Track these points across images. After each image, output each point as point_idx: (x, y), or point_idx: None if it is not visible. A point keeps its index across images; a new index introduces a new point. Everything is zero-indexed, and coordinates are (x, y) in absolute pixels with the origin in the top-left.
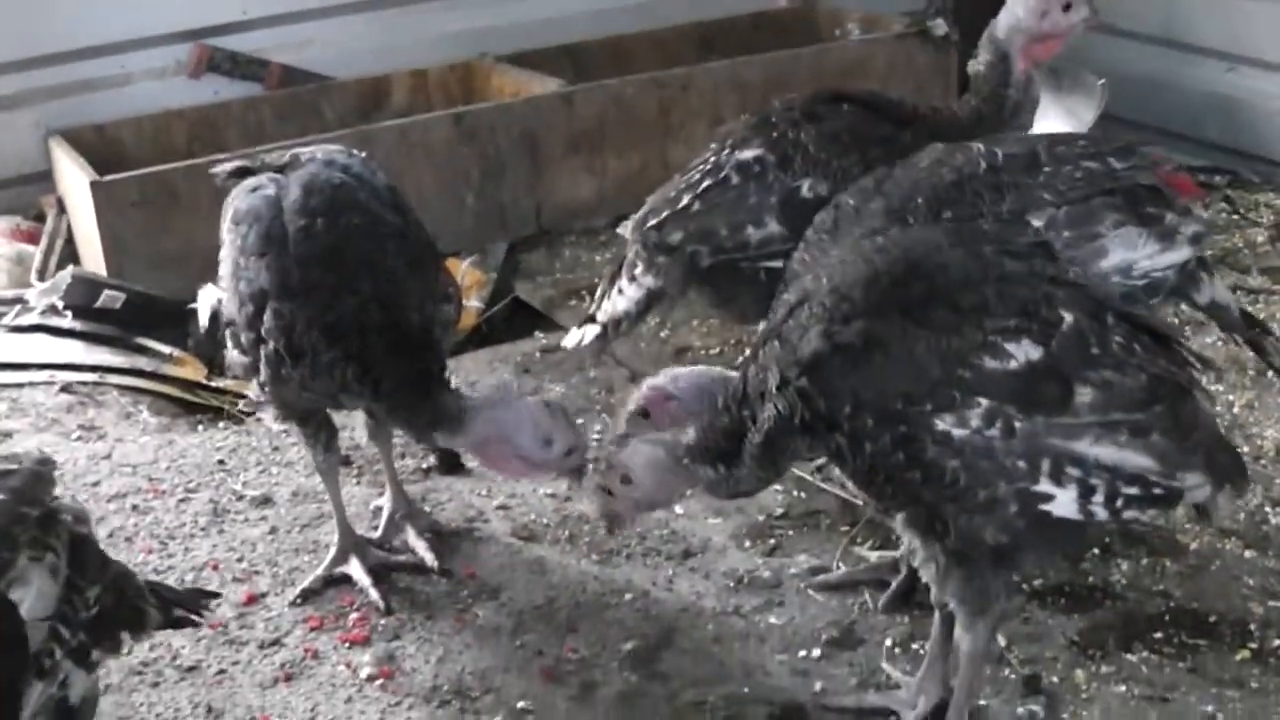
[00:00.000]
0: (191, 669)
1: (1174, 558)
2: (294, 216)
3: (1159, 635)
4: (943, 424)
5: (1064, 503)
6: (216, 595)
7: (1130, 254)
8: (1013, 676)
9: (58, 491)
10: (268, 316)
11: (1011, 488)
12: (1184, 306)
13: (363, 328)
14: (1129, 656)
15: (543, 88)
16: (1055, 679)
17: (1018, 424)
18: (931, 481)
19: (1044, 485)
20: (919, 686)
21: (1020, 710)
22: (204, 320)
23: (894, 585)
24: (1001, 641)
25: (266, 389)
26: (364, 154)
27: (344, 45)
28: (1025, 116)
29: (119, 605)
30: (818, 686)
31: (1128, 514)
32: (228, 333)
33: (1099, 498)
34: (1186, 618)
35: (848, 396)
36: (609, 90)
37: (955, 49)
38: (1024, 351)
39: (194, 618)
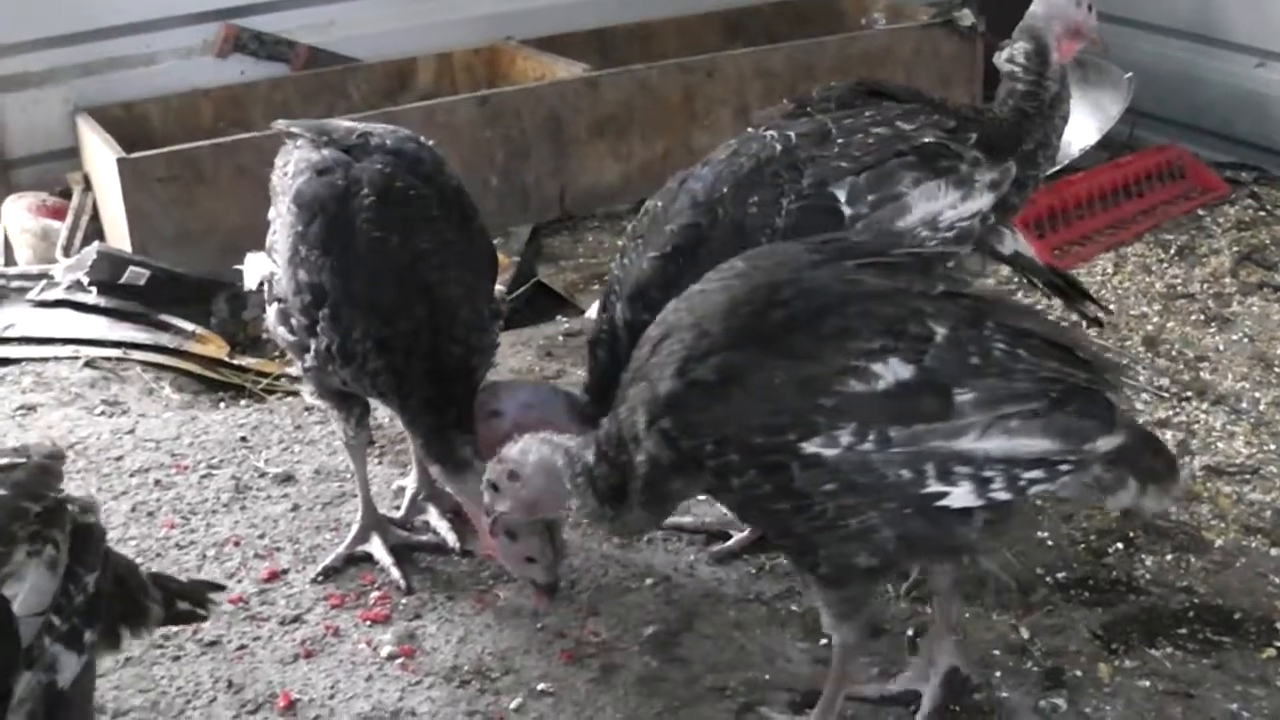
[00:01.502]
0: (212, 644)
1: (1199, 553)
2: (367, 225)
3: (1183, 631)
4: (811, 447)
5: (959, 496)
6: (222, 588)
7: (933, 205)
8: (1035, 669)
9: (80, 466)
10: (326, 315)
11: (897, 500)
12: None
13: (410, 350)
14: (1153, 651)
15: (568, 72)
16: (1078, 672)
17: (894, 433)
18: (801, 512)
19: (934, 486)
20: (928, 658)
21: (1042, 703)
22: (250, 285)
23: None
24: (1024, 634)
25: (311, 373)
26: (433, 143)
27: (368, 27)
28: (1065, 106)
29: (119, 597)
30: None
31: (1035, 490)
32: (276, 307)
33: (998, 485)
34: (1211, 614)
35: (709, 433)
36: (634, 75)
37: (981, 39)
38: (892, 372)
39: (199, 611)
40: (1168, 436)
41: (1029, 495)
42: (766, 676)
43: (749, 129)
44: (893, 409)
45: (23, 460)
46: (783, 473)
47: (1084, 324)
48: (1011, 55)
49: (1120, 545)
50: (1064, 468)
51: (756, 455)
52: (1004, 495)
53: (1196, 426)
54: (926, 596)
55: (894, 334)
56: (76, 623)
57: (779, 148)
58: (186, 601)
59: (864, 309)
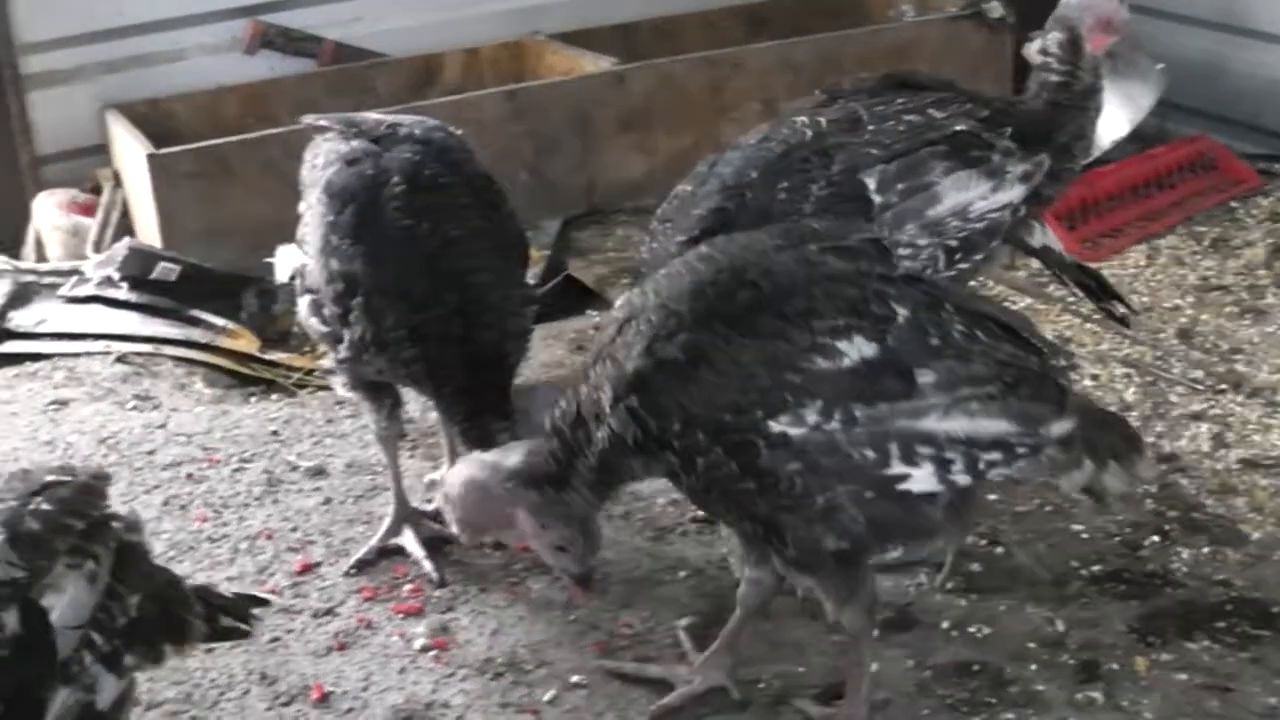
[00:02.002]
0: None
1: (1235, 546)
2: (397, 213)
3: (1220, 624)
4: (778, 425)
5: (921, 478)
6: (267, 603)
7: (963, 195)
8: (1070, 662)
9: (112, 460)
10: (358, 304)
11: (860, 480)
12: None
13: (443, 337)
14: (1189, 645)
15: (595, 66)
16: (1114, 666)
17: (859, 413)
18: (767, 491)
19: (897, 468)
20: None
21: (1077, 696)
22: (281, 278)
23: (948, 563)
24: (1060, 627)
25: (344, 364)
26: (461, 132)
27: (395, 22)
28: (1099, 98)
29: (162, 615)
30: (872, 668)
31: (994, 474)
32: (308, 299)
33: (958, 468)
34: (1248, 607)
35: (676, 413)
36: (660, 69)
37: (1010, 32)
38: (857, 349)
39: (242, 627)
40: (1203, 429)
41: (988, 478)
42: (800, 669)
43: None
44: (858, 387)
45: (68, 479)
46: (749, 451)
47: (1112, 323)
48: (1044, 46)
49: (1156, 538)
50: (1020, 450)
51: (724, 434)
52: (964, 478)
53: (1232, 419)
54: (961, 588)
55: (857, 313)
56: (118, 645)
57: (809, 134)
58: (230, 616)
59: (828, 290)
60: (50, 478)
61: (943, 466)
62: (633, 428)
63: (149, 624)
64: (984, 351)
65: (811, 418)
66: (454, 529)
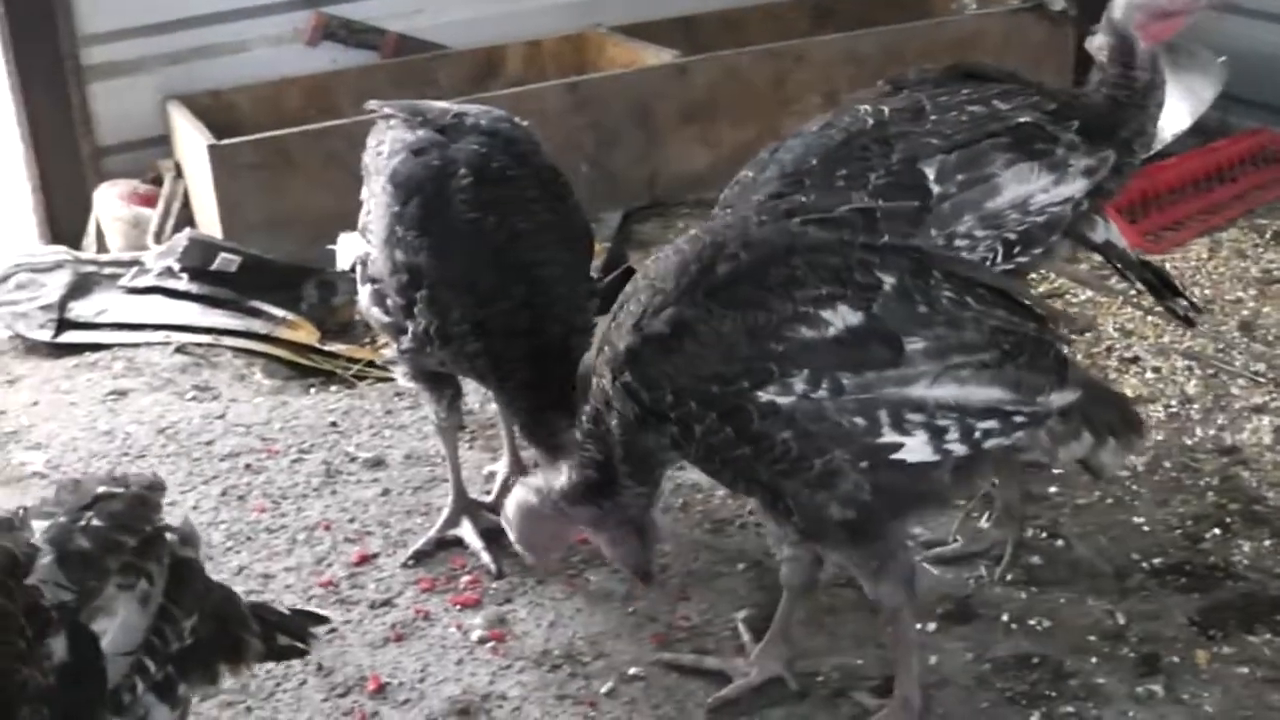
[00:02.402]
0: None
1: None
2: (464, 205)
3: None
4: (766, 395)
5: (915, 447)
6: (325, 620)
7: (1025, 188)
8: (1130, 655)
9: (171, 450)
10: (423, 297)
11: (853, 449)
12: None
13: (509, 331)
14: (1250, 638)
15: (657, 58)
16: (1174, 659)
17: (846, 381)
18: (764, 454)
19: (889, 436)
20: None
21: (1138, 690)
22: (343, 265)
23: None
24: (1120, 620)
25: (407, 355)
26: (527, 123)
27: (457, 14)
28: (1160, 94)
29: (218, 634)
30: (932, 660)
31: (990, 444)
32: (371, 288)
33: (953, 436)
34: None
35: (666, 384)
36: (723, 61)
37: (1073, 25)
38: (841, 318)
39: (299, 645)
40: (1264, 422)
41: (985, 448)
42: (859, 662)
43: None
44: (844, 355)
45: (120, 490)
46: (741, 416)
47: (1174, 322)
48: (1094, 44)
49: (1217, 531)
50: (1018, 419)
51: (714, 402)
52: (960, 448)
53: None
54: (1022, 581)
55: (841, 281)
56: (171, 672)
57: (870, 122)
58: (287, 635)
59: (810, 259)
60: (102, 489)
61: (936, 435)
62: (631, 404)
63: (204, 646)
64: (975, 318)
65: (799, 386)
66: (518, 547)
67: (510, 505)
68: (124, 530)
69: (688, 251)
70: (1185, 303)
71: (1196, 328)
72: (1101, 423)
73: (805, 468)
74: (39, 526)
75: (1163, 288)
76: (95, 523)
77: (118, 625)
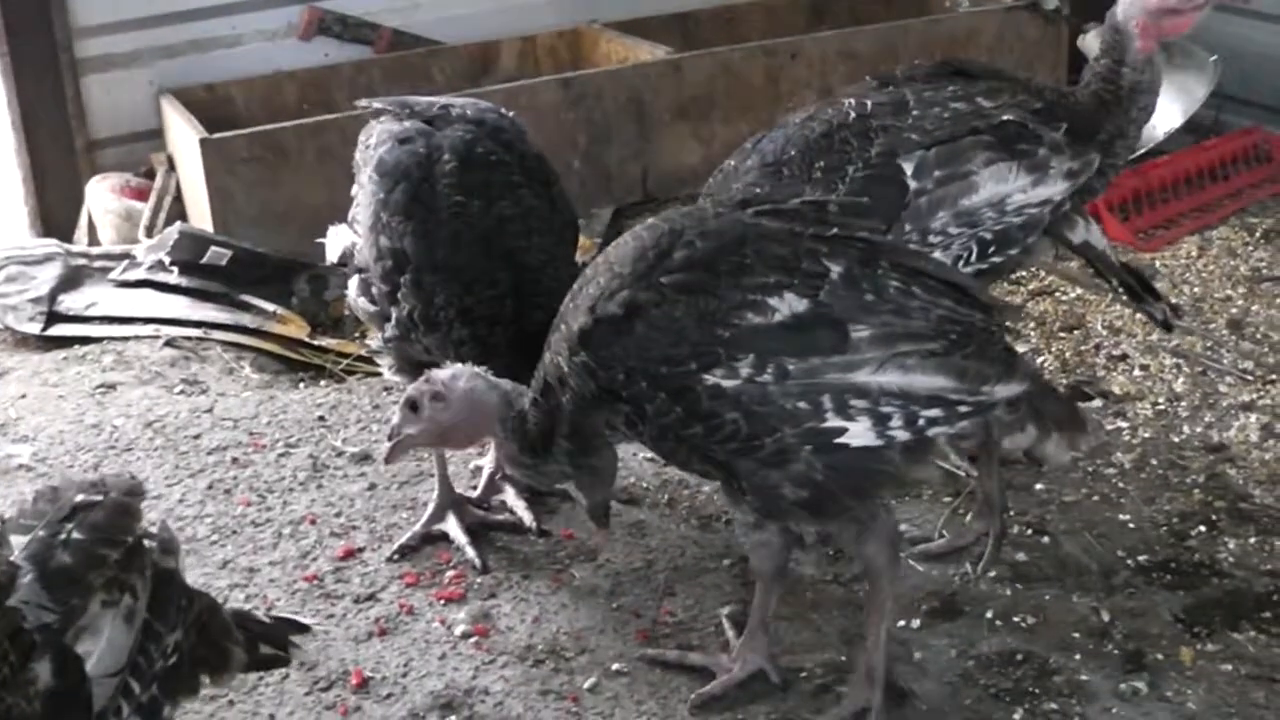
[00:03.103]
0: None
1: None
2: (449, 190)
3: (1267, 615)
4: (712, 378)
5: (858, 433)
6: (307, 629)
7: (1001, 187)
8: (1116, 652)
9: (158, 443)
10: (408, 282)
11: (798, 432)
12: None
13: (494, 317)
14: (1236, 635)
15: (651, 55)
16: (1159, 656)
17: (791, 365)
18: (714, 433)
19: (833, 421)
20: (738, 650)
21: (1123, 686)
22: (331, 258)
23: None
24: (1106, 616)
25: (391, 343)
26: (513, 114)
27: (452, 10)
28: (1145, 98)
29: (200, 646)
30: (917, 657)
31: (934, 431)
32: (357, 279)
33: (897, 423)
34: None
35: (618, 364)
36: (717, 58)
37: (1066, 23)
38: (788, 305)
39: (282, 655)
40: (1252, 420)
41: (929, 435)
42: (843, 658)
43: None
44: (789, 341)
45: (100, 498)
46: (690, 395)
47: (1153, 324)
48: (1086, 42)
49: (1203, 528)
50: (963, 409)
51: (663, 383)
52: (903, 435)
53: None
54: (1007, 578)
55: (789, 270)
56: (156, 693)
57: (852, 115)
58: (269, 644)
59: (759, 248)
60: (80, 498)
61: (880, 421)
62: (588, 381)
63: (187, 660)
64: (922, 307)
65: (744, 370)
66: (414, 426)
67: (458, 378)
68: (106, 543)
69: (646, 238)
70: (1164, 306)
71: (1179, 327)
72: (1048, 416)
73: (756, 447)
74: (18, 543)
75: (1142, 291)
76: (76, 536)
77: (103, 645)
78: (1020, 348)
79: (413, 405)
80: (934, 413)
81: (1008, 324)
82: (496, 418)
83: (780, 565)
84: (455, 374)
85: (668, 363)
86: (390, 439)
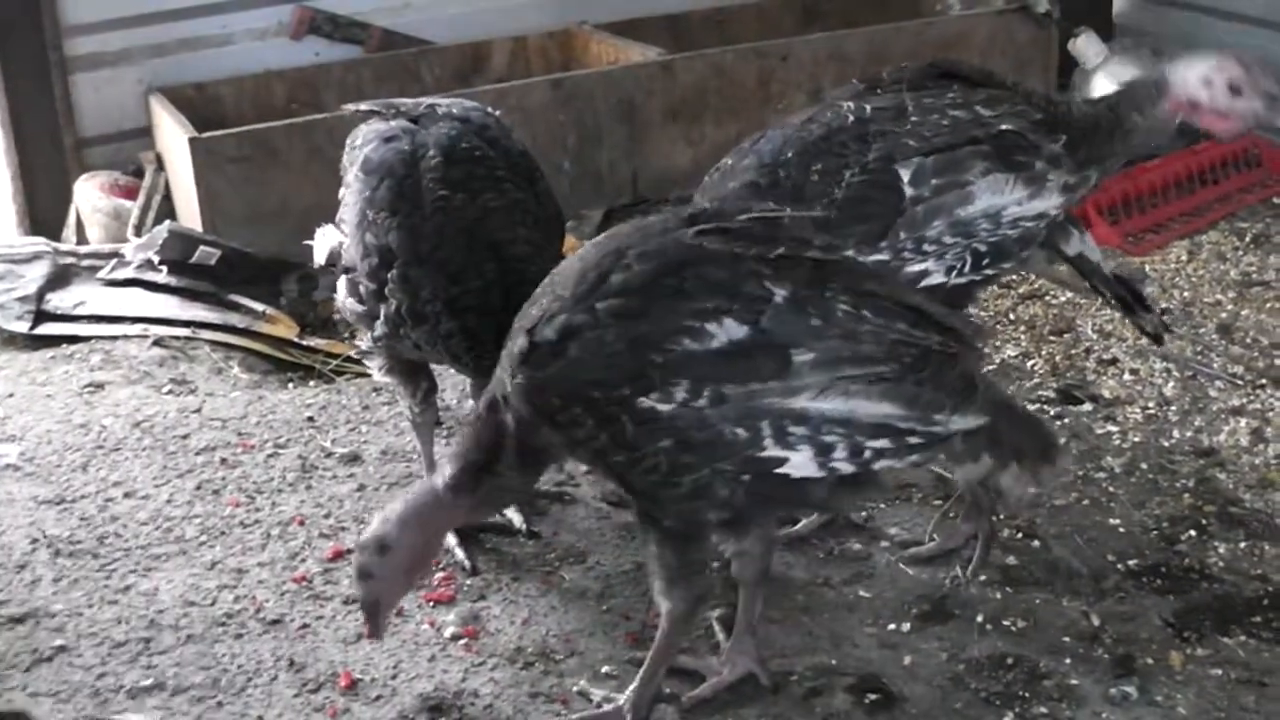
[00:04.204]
0: (275, 622)
1: (1273, 541)
2: (433, 184)
3: (1257, 619)
4: (646, 401)
5: (799, 463)
6: None
7: (997, 199)
8: (1105, 657)
9: (146, 444)
10: (394, 276)
11: (735, 460)
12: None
13: (481, 308)
14: (1225, 640)
15: (642, 56)
16: (1149, 660)
17: (729, 390)
18: (637, 465)
19: (772, 450)
20: (726, 656)
21: (1112, 691)
22: (319, 260)
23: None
24: (1096, 621)
25: (380, 342)
26: (499, 112)
27: (443, 10)
28: (1142, 140)
29: None
30: (907, 660)
31: (881, 464)
32: (345, 279)
33: (840, 454)
34: None
35: (552, 390)
36: (708, 59)
37: (1057, 26)
38: (726, 331)
39: None
40: (1242, 424)
41: (875, 467)
42: (833, 662)
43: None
44: (728, 367)
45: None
46: (616, 424)
47: (1145, 336)
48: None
49: (1193, 532)
50: (913, 440)
51: (596, 409)
52: (847, 466)
53: (1271, 414)
54: (997, 581)
55: (729, 295)
56: None
57: (851, 119)
58: None
59: (699, 272)
60: None
61: (823, 451)
62: (526, 404)
63: None
64: (873, 331)
65: (680, 395)
66: (382, 587)
67: (385, 522)
68: None
69: (589, 258)
70: (1155, 318)
71: (1167, 339)
72: (1007, 445)
73: (675, 484)
74: None
75: (1134, 302)
76: None
77: None
78: (1010, 351)
79: (364, 574)
80: (881, 443)
81: (979, 344)
82: (439, 508)
83: (761, 570)
84: (381, 519)
85: (600, 387)
86: (365, 614)
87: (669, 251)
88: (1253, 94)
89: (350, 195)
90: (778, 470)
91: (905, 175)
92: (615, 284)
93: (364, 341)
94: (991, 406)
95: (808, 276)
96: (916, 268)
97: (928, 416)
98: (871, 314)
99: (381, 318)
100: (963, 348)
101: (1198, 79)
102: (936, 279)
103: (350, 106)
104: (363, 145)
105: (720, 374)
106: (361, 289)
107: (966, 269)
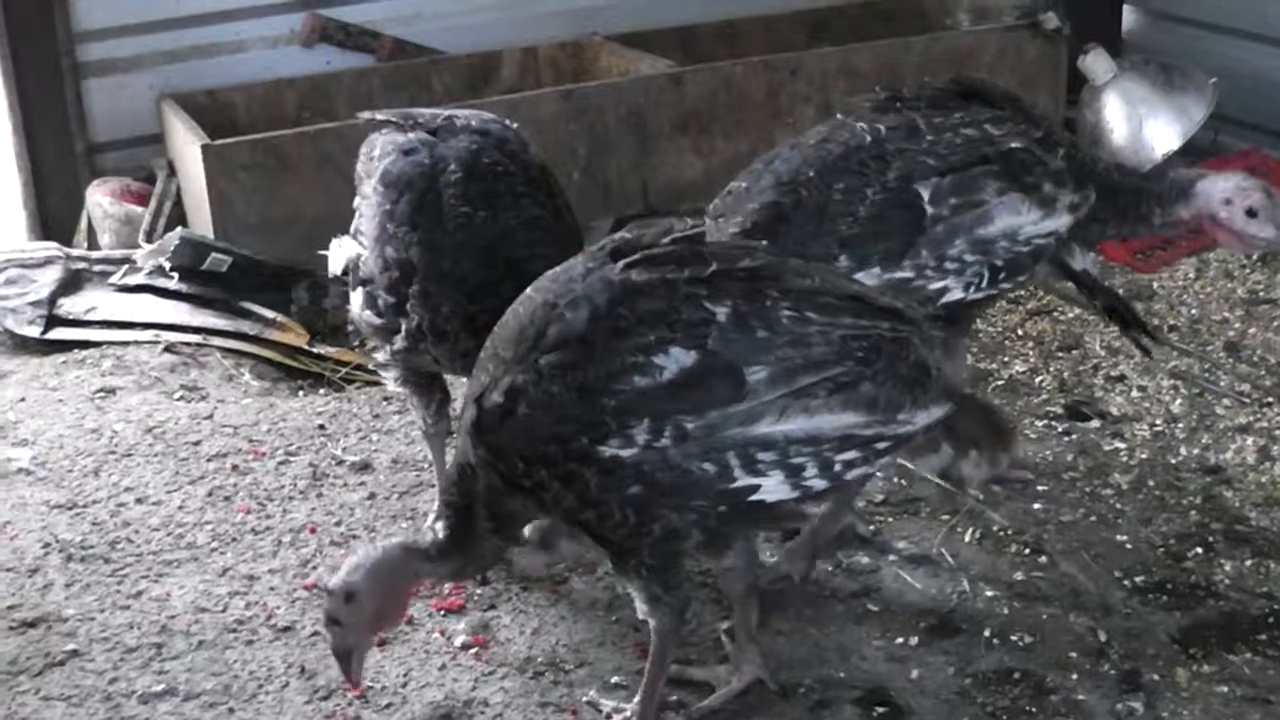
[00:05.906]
0: (286, 629)
1: (1279, 559)
2: (454, 200)
3: (1263, 637)
4: (609, 449)
5: (772, 488)
6: None
7: (1015, 220)
8: (1112, 672)
9: (158, 450)
10: (415, 293)
11: (709, 496)
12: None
13: None
14: (1231, 657)
15: (652, 68)
16: (1155, 676)
17: (690, 425)
18: (606, 520)
19: (743, 479)
20: (734, 666)
21: (1119, 706)
22: (335, 270)
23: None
24: (1102, 636)
25: (399, 355)
26: (516, 125)
27: (454, 20)
28: (1144, 231)
29: None
30: (914, 674)
31: (853, 474)
32: (362, 291)
33: (811, 472)
34: None
35: (512, 453)
36: (718, 72)
37: (1066, 43)
38: (675, 361)
39: None
40: (1249, 442)
41: (849, 480)
42: (841, 674)
43: (838, 116)
44: (683, 398)
45: None
46: (579, 481)
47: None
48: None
49: (1199, 550)
50: (881, 445)
51: (558, 465)
52: (820, 484)
53: (1278, 432)
54: (1004, 596)
55: (669, 323)
56: None
57: (869, 139)
58: None
59: (634, 306)
60: None
61: (793, 473)
62: (491, 473)
63: None
64: (820, 330)
65: (641, 437)
66: (352, 636)
67: (356, 570)
68: None
69: (523, 315)
70: (1148, 338)
71: (1180, 344)
72: (965, 434)
73: (644, 533)
74: None
75: (1129, 318)
76: None
77: None
78: (1018, 367)
79: (332, 620)
80: (850, 455)
81: (924, 324)
82: (412, 568)
83: (750, 583)
84: (353, 566)
85: (556, 441)
86: (337, 658)
87: (599, 292)
88: (1267, 222)
89: (369, 207)
90: (751, 499)
91: (925, 194)
92: (553, 336)
93: (381, 354)
94: (948, 394)
95: (744, 288)
96: (937, 284)
97: (890, 418)
98: (815, 314)
99: (402, 332)
100: (910, 329)
101: (1221, 197)
102: (955, 295)
103: (366, 115)
104: (381, 157)
105: (676, 406)
106: (380, 302)
107: (984, 284)
